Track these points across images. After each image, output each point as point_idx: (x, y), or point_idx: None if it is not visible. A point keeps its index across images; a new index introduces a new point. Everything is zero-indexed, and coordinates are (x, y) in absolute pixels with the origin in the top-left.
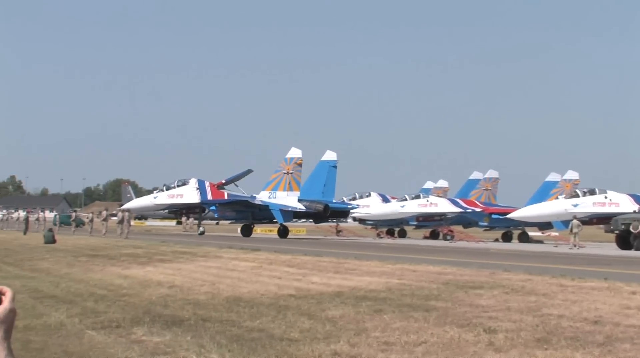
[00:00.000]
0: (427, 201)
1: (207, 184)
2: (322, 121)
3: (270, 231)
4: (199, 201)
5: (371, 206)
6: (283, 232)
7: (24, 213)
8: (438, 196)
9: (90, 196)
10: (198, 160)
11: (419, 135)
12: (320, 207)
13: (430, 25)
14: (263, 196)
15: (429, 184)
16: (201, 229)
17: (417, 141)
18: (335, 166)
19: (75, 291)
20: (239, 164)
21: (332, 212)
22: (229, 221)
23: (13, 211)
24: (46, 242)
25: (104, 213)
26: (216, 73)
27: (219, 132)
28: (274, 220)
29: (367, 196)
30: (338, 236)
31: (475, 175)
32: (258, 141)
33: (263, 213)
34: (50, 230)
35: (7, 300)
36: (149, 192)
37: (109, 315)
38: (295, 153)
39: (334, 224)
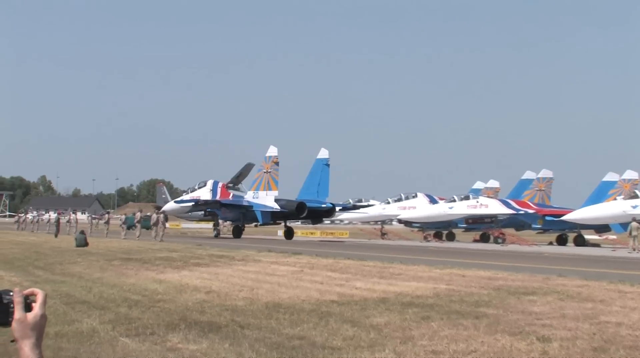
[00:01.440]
0: (477, 202)
1: (219, 185)
2: (360, 120)
3: (312, 233)
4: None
5: (418, 208)
6: (288, 233)
7: (55, 214)
8: (488, 196)
9: (123, 197)
10: (233, 159)
11: (468, 133)
12: (293, 206)
13: (485, 19)
14: (248, 196)
15: (478, 185)
16: (215, 232)
17: (466, 139)
18: (327, 164)
19: (108, 296)
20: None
21: (311, 211)
22: (229, 222)
23: (43, 212)
24: (78, 245)
25: (138, 214)
26: (249, 70)
27: (256, 131)
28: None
29: (414, 197)
30: (383, 239)
31: (528, 175)
32: (289, 139)
33: (251, 214)
34: (82, 233)
35: (38, 304)
36: (184, 193)
37: (143, 322)
38: (272, 151)
39: (379, 226)
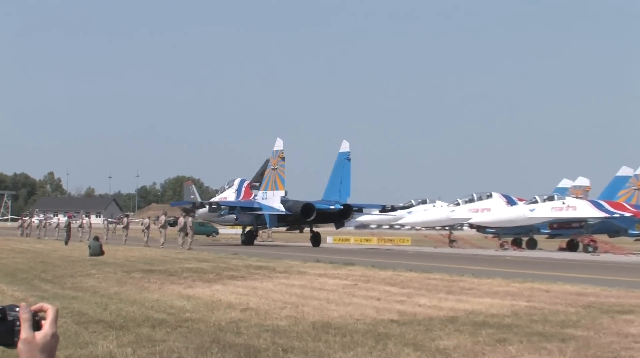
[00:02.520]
0: (563, 203)
1: (245, 184)
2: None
3: (367, 240)
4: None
5: (493, 210)
6: (314, 240)
7: (65, 218)
8: (577, 197)
9: (145, 198)
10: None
11: (552, 122)
12: (299, 208)
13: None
14: (258, 198)
15: (565, 183)
16: (242, 238)
17: (549, 130)
18: (348, 159)
19: (127, 314)
20: (304, 158)
21: (321, 214)
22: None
23: (51, 216)
24: (92, 254)
25: (162, 218)
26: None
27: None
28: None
29: (488, 198)
30: (451, 247)
31: (624, 171)
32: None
33: (262, 218)
34: (97, 239)
35: (48, 322)
36: (216, 193)
37: (169, 344)
38: (278, 144)
39: (446, 232)
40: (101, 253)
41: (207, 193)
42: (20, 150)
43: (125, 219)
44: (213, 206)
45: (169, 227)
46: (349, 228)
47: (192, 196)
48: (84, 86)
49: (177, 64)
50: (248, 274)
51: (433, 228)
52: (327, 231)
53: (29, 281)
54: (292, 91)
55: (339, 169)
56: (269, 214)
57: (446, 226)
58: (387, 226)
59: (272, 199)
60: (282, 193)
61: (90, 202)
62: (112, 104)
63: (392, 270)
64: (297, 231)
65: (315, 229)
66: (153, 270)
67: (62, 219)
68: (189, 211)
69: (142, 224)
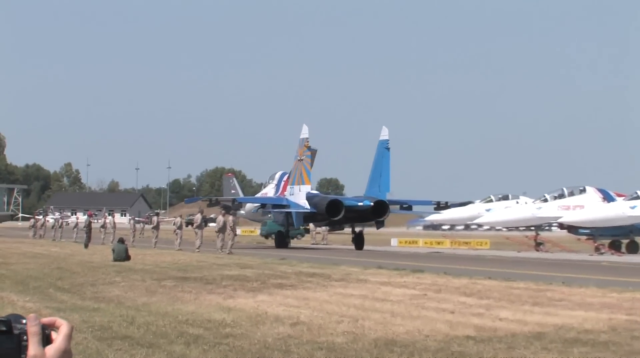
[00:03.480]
0: None
1: (285, 177)
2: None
3: (439, 243)
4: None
5: (586, 208)
6: (357, 241)
7: (85, 216)
8: None
9: (178, 193)
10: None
11: None
12: (324, 204)
13: None
14: (287, 193)
15: None
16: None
17: None
18: (387, 148)
19: (157, 329)
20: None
21: (351, 212)
22: (325, 228)
23: (69, 214)
24: (116, 259)
25: (199, 216)
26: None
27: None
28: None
29: (581, 193)
30: (538, 250)
31: None
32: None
33: (292, 216)
34: (122, 241)
35: (61, 337)
36: (261, 187)
37: None
38: (304, 132)
39: (532, 234)
40: (127, 257)
41: (249, 187)
42: (32, 138)
43: (155, 219)
44: (234, 203)
45: (204, 227)
46: (417, 228)
47: (232, 192)
48: (106, 63)
49: (216, 41)
50: (299, 282)
51: (516, 228)
52: (391, 231)
53: (43, 290)
54: (342, 75)
55: (379, 160)
56: (296, 213)
57: (532, 226)
58: (462, 227)
59: (298, 195)
60: (308, 187)
61: (114, 198)
62: (139, 84)
63: (467, 278)
64: (340, 231)
65: (357, 228)
66: (187, 278)
67: (82, 218)
68: (229, 209)
69: (174, 224)
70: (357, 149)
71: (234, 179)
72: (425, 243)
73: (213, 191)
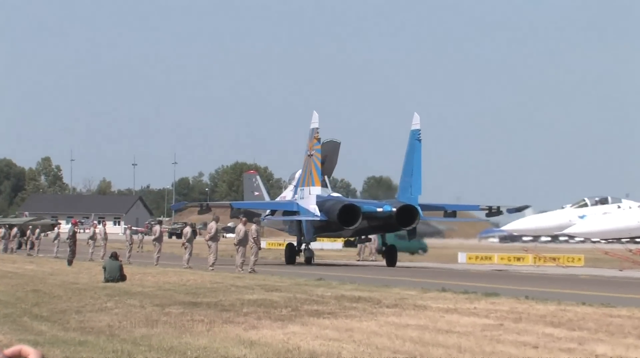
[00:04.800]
0: None
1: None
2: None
3: (519, 259)
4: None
5: None
6: (389, 256)
7: (69, 225)
8: None
9: (186, 195)
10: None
11: None
12: (335, 211)
13: None
14: (297, 197)
15: None
16: (307, 253)
17: None
18: (419, 139)
19: None
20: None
21: (369, 219)
22: (374, 239)
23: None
24: (108, 279)
25: (213, 225)
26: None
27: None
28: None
29: None
30: None
31: None
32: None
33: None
34: (115, 257)
35: None
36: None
37: None
38: (314, 120)
39: (638, 248)
40: (121, 277)
41: (276, 187)
42: (2, 127)
43: (156, 228)
44: (234, 210)
45: (195, 238)
46: (491, 240)
47: (256, 194)
48: (95, 31)
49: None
50: (340, 309)
51: (618, 240)
52: (458, 244)
53: (15, 319)
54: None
55: (410, 154)
56: (306, 221)
57: (638, 238)
58: (548, 238)
59: (308, 199)
60: (318, 189)
61: (105, 202)
62: (136, 57)
63: (555, 303)
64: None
65: (388, 241)
66: (199, 303)
67: (65, 227)
68: (251, 216)
69: (182, 235)
70: None
71: (258, 177)
72: (502, 258)
73: (231, 193)
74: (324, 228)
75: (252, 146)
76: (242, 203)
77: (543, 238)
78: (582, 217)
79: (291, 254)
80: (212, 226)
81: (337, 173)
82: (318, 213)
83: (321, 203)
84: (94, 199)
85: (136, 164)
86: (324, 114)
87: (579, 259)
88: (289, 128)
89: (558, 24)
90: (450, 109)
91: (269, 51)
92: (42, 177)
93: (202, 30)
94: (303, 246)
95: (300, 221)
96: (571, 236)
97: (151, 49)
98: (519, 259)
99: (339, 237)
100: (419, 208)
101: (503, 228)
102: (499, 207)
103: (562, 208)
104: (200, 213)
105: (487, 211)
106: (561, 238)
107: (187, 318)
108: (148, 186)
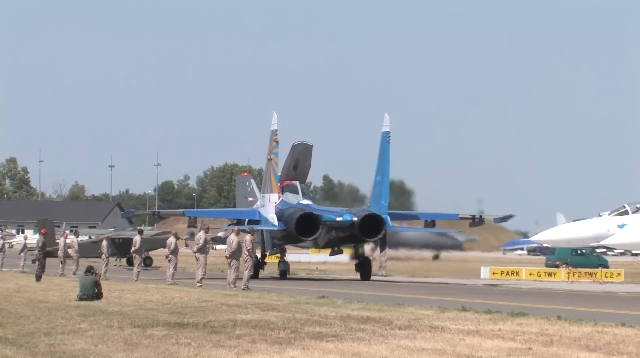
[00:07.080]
0: None
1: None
2: None
3: (550, 274)
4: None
5: None
6: (361, 268)
7: (37, 236)
8: None
9: (170, 201)
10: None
11: None
12: (293, 221)
13: None
14: (259, 205)
15: None
16: (282, 266)
17: None
18: (388, 142)
19: None
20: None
21: (332, 230)
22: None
23: (13, 232)
24: (82, 297)
25: (201, 235)
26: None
27: None
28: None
29: None
30: None
31: None
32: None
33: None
34: (91, 272)
35: None
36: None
37: None
38: (274, 121)
39: None
40: (97, 294)
41: None
42: None
43: (137, 238)
44: (191, 219)
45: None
46: (519, 253)
47: (250, 199)
48: (67, 31)
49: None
50: (346, 331)
51: None
52: (481, 257)
53: None
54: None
55: (381, 158)
56: (265, 231)
57: None
58: (583, 251)
59: (268, 207)
60: (275, 196)
61: (78, 209)
62: (113, 52)
63: (591, 324)
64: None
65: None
66: (185, 324)
67: (32, 237)
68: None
69: (167, 246)
70: (433, 142)
71: (252, 181)
72: (530, 273)
73: (221, 199)
74: (285, 239)
75: (245, 146)
76: (195, 211)
77: (578, 251)
78: (621, 226)
79: (255, 271)
80: (201, 236)
81: (344, 177)
82: (276, 222)
83: (281, 211)
84: (65, 206)
85: (113, 166)
86: (325, 115)
87: (619, 274)
88: (288, 127)
89: (557, 24)
90: (480, 111)
91: (263, 44)
92: (7, 181)
93: (187, 25)
94: (274, 259)
95: (262, 231)
96: (609, 248)
97: (133, 42)
98: (550, 274)
99: (308, 248)
100: (386, 218)
101: (532, 238)
102: (481, 216)
103: (600, 215)
104: (189, 225)
105: (470, 221)
106: (598, 250)
107: (172, 341)
108: (127, 191)
